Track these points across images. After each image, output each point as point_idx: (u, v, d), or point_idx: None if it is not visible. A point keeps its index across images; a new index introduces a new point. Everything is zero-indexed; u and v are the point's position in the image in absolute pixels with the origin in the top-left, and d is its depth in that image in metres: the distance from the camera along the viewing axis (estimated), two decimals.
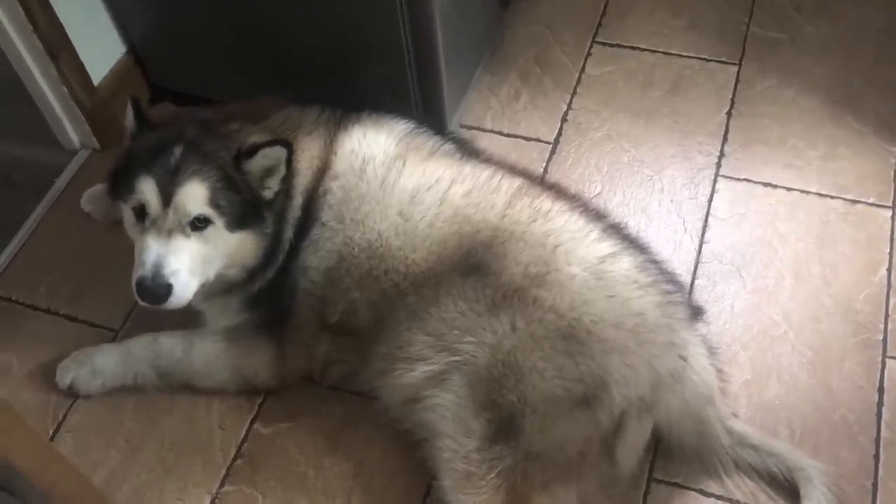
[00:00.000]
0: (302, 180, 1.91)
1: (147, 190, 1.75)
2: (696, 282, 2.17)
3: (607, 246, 1.81)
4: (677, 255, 2.21)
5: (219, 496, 1.91)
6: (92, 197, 2.37)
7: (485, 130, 2.50)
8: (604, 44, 2.68)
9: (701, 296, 2.13)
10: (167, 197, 1.75)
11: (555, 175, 2.37)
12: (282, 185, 1.86)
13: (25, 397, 2.05)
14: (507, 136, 2.49)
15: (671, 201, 2.33)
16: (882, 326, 2.06)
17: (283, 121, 1.97)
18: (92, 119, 2.46)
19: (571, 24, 2.73)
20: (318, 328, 1.94)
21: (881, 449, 1.89)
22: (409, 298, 1.82)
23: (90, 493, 1.60)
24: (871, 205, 2.27)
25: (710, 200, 2.32)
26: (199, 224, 1.77)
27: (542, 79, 2.61)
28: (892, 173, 2.33)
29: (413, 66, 2.17)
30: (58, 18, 2.26)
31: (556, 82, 2.59)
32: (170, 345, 1.99)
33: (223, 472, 1.94)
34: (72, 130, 2.50)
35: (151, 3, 2.38)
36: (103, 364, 2.02)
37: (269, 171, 1.83)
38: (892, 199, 2.28)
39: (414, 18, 2.05)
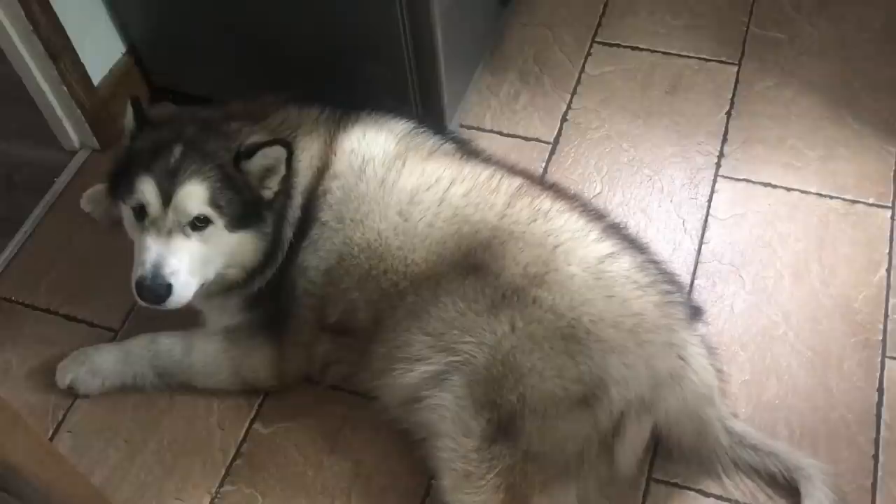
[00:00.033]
0: (302, 180, 1.91)
1: (147, 190, 1.75)
2: (696, 282, 2.17)
3: (607, 246, 1.81)
4: (677, 256, 2.21)
5: (218, 496, 1.91)
6: (92, 197, 2.37)
7: (484, 130, 2.50)
8: (603, 44, 2.68)
9: (700, 296, 2.13)
10: (167, 197, 1.75)
11: (554, 175, 2.37)
12: (281, 184, 1.86)
13: (25, 397, 2.05)
14: (507, 135, 2.49)
15: (671, 201, 2.33)
16: (881, 326, 2.06)
17: (283, 120, 1.97)
18: (92, 119, 2.46)
19: (571, 23, 2.73)
20: (318, 328, 1.94)
21: (880, 449, 1.89)
22: (409, 298, 1.82)
23: (89, 492, 1.59)
24: (871, 205, 2.27)
25: (710, 200, 2.32)
26: (199, 224, 1.77)
27: (542, 79, 2.61)
28: (892, 174, 2.33)
29: (413, 66, 2.17)
30: (58, 18, 2.26)
31: (556, 82, 2.60)
32: (169, 345, 2.00)
33: (222, 471, 1.94)
34: (72, 130, 2.50)
35: (151, 3, 2.38)
36: (103, 364, 2.02)
37: (268, 171, 1.83)
38: (891, 199, 2.28)
39: (413, 18, 2.05)
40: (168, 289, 1.75)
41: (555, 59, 2.65)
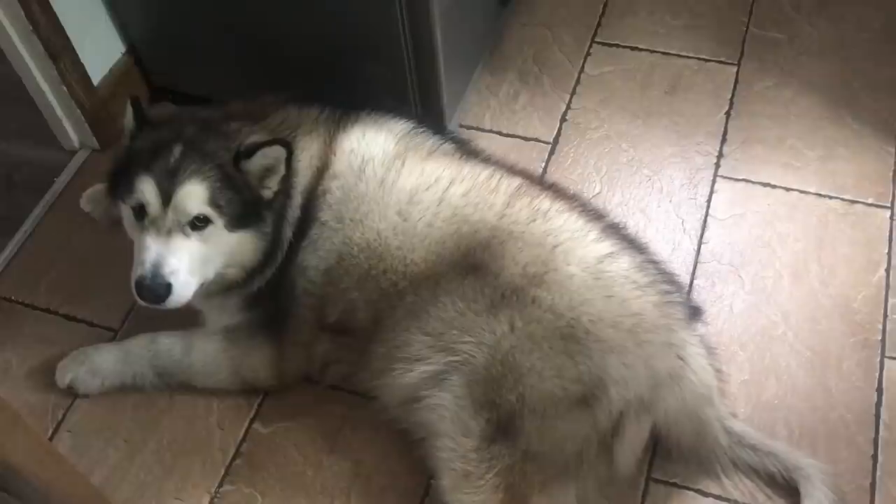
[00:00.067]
0: (301, 180, 1.91)
1: (146, 189, 1.75)
2: (695, 282, 2.17)
3: (606, 246, 1.81)
4: (676, 256, 2.21)
5: (218, 495, 1.91)
6: (91, 197, 2.37)
7: (484, 130, 2.51)
8: (603, 44, 2.68)
9: (699, 296, 2.13)
10: (166, 196, 1.75)
11: (553, 175, 2.38)
12: (281, 184, 1.86)
13: (24, 396, 2.05)
14: (506, 135, 2.49)
15: (670, 201, 2.33)
16: (880, 327, 2.06)
17: (283, 120, 1.97)
18: (91, 119, 2.46)
19: (570, 23, 2.73)
20: (317, 328, 1.94)
21: (879, 449, 1.89)
22: (408, 298, 1.82)
23: (89, 492, 1.60)
24: (870, 205, 2.27)
25: (709, 201, 2.32)
26: (199, 223, 1.77)
27: (541, 79, 2.61)
28: (891, 174, 2.33)
29: (412, 66, 2.17)
30: (58, 18, 2.26)
31: (555, 82, 2.60)
32: (169, 344, 2.00)
33: (222, 471, 1.94)
34: (71, 130, 2.50)
35: (151, 3, 2.38)
36: (102, 363, 2.02)
37: (268, 171, 1.83)
38: (890, 199, 2.28)
39: (413, 18, 2.05)
40: (168, 288, 1.75)
41: (554, 59, 2.65)
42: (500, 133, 2.50)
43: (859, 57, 2.57)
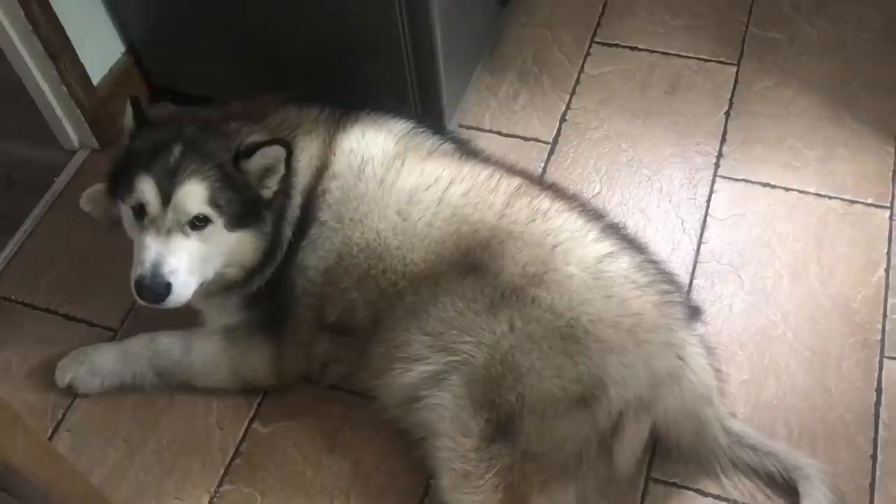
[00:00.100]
0: (301, 180, 1.91)
1: (146, 189, 1.76)
2: (695, 282, 2.17)
3: (605, 246, 1.81)
4: (676, 256, 2.21)
5: (217, 495, 1.91)
6: (91, 196, 2.38)
7: (483, 130, 2.51)
8: (602, 44, 2.68)
9: (699, 296, 2.13)
10: (166, 196, 1.75)
11: (553, 175, 2.38)
12: (281, 184, 1.86)
13: (24, 396, 2.05)
14: (506, 135, 2.49)
15: (669, 201, 2.33)
16: (880, 326, 2.06)
17: (282, 120, 1.97)
18: (91, 119, 2.46)
19: (570, 23, 2.73)
20: (317, 327, 1.94)
21: (879, 449, 1.89)
22: (408, 298, 1.82)
23: (88, 492, 1.60)
24: (870, 205, 2.27)
25: (709, 201, 2.32)
26: (198, 223, 1.78)
27: (541, 79, 2.61)
28: (891, 174, 2.33)
29: (412, 66, 2.17)
30: (57, 18, 2.26)
31: (555, 82, 2.60)
32: (168, 344, 2.00)
33: (222, 471, 1.94)
34: (71, 130, 2.50)
35: (151, 3, 2.38)
36: (102, 363, 2.02)
37: (268, 171, 1.83)
38: (890, 199, 2.28)
39: (413, 18, 2.05)
40: (167, 288, 1.75)
41: (554, 59, 2.65)
42: (499, 133, 2.50)
43: (859, 57, 2.58)
